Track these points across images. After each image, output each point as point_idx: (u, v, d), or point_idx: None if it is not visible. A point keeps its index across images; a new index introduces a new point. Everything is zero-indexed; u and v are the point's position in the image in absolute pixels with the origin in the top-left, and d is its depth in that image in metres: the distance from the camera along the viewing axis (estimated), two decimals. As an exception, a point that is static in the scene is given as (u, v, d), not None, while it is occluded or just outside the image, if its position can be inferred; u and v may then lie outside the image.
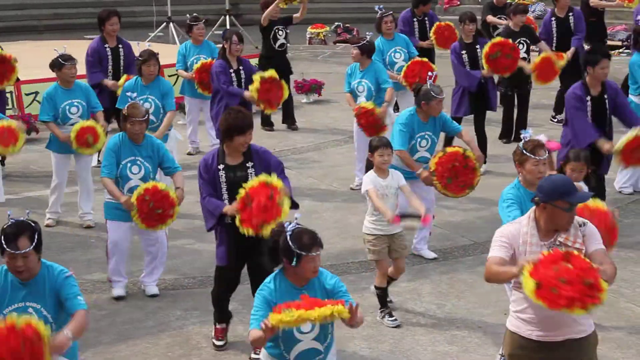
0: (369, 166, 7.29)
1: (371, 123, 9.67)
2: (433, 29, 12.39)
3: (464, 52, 10.63)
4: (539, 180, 6.05)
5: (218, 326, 6.89)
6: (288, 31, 12.71)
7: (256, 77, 9.91)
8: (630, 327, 7.00)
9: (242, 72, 10.07)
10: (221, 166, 6.49)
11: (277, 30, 12.44)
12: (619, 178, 9.93)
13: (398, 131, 8.03)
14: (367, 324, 7.10)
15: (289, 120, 12.90)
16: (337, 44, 19.78)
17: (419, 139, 8.08)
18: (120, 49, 10.52)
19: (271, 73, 10.02)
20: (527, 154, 6.10)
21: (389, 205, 7.07)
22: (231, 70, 10.02)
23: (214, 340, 6.88)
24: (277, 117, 12.81)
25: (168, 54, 13.93)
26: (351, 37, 10.46)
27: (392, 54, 11.35)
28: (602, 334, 6.82)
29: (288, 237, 4.90)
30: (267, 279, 5.06)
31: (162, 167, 7.68)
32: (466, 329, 7.08)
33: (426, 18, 12.66)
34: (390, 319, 7.13)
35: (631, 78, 9.73)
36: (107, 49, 10.44)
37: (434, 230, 8.81)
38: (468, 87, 10.53)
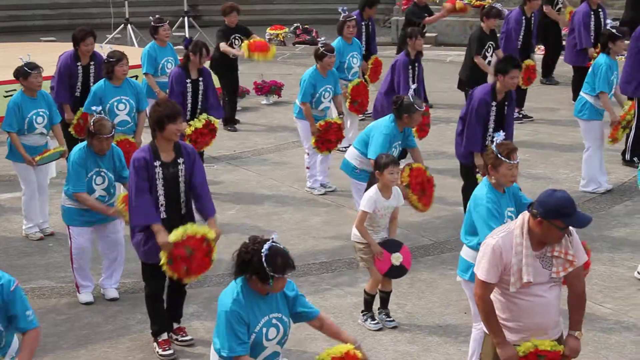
0: (371, 182, 7.23)
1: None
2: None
3: (409, 67, 10.62)
4: (512, 183, 6.15)
5: (160, 339, 6.80)
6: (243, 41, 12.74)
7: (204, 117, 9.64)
8: (588, 324, 7.05)
9: (200, 83, 9.84)
10: (157, 163, 6.48)
11: (234, 39, 12.52)
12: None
13: (381, 142, 8.07)
14: (329, 324, 7.11)
15: (232, 121, 12.92)
16: (296, 45, 19.79)
17: (392, 150, 8.19)
18: (92, 66, 10.28)
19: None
20: (502, 158, 6.05)
21: (382, 225, 7.08)
22: (188, 81, 9.79)
23: (160, 351, 6.75)
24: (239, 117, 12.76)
25: (127, 55, 13.83)
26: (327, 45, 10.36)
27: (350, 59, 11.45)
28: (560, 331, 6.91)
29: (263, 259, 4.86)
30: (233, 292, 4.97)
31: (120, 176, 7.62)
32: (427, 329, 7.12)
33: (370, 23, 12.76)
34: (372, 322, 7.10)
35: (590, 77, 9.82)
36: (79, 67, 10.20)
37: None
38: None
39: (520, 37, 12.57)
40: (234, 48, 12.49)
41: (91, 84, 10.21)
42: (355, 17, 11.81)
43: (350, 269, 8.20)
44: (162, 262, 6.45)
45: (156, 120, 6.47)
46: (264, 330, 4.98)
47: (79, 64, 10.14)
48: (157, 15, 11.87)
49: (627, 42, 10.30)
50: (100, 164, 7.49)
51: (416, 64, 10.77)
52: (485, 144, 8.43)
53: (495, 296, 5.03)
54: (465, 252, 6.24)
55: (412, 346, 6.85)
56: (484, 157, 6.36)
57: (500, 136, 6.16)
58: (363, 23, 12.62)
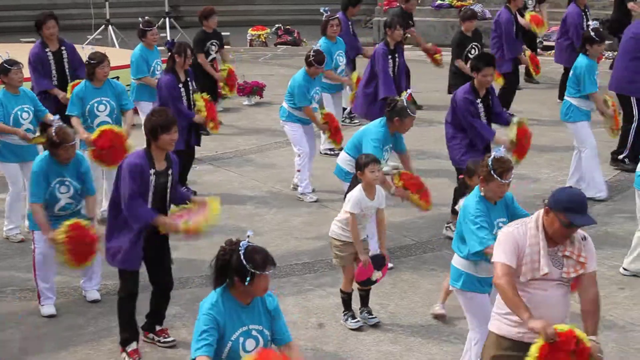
0: (354, 183, 7.24)
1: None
2: None
3: (389, 57, 10.68)
4: (500, 197, 6.14)
5: (130, 349, 6.74)
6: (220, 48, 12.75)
7: (198, 98, 9.87)
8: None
9: (190, 83, 9.86)
10: (152, 171, 6.48)
11: (211, 45, 12.55)
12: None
13: (372, 148, 8.01)
14: (312, 325, 7.11)
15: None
16: (278, 46, 19.78)
17: (383, 153, 8.17)
18: (63, 51, 10.29)
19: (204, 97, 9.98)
20: (495, 175, 6.02)
21: (368, 226, 7.10)
22: (180, 85, 9.78)
23: None
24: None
25: (108, 56, 13.77)
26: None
27: (337, 57, 11.51)
28: (542, 330, 6.94)
29: (242, 256, 4.84)
30: (213, 298, 4.95)
31: (85, 185, 7.43)
32: (409, 328, 7.13)
33: (351, 22, 12.77)
34: (352, 320, 7.10)
35: (572, 80, 9.85)
36: (49, 53, 10.19)
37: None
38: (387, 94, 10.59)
39: (514, 33, 12.65)
40: (210, 54, 12.53)
41: (66, 70, 10.19)
42: (338, 16, 11.84)
43: (333, 270, 8.19)
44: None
45: (150, 129, 6.46)
46: (241, 339, 4.91)
47: (47, 50, 10.11)
48: (146, 18, 11.85)
49: (608, 42, 10.31)
50: (64, 173, 7.30)
51: (396, 55, 10.79)
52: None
53: (498, 294, 5.03)
54: (457, 261, 6.21)
55: (395, 346, 6.86)
56: (477, 167, 6.31)
57: (500, 151, 6.11)
58: (350, 22, 12.64)
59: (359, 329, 7.09)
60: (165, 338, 6.92)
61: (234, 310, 4.92)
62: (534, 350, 4.75)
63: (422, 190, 8.14)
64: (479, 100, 8.62)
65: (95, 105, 9.10)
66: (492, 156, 6.07)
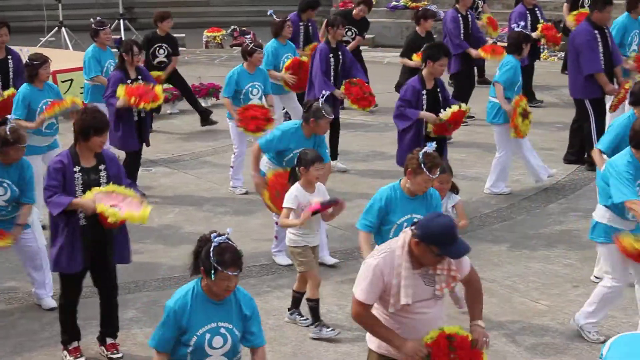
0: (294, 178, 7.22)
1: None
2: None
3: (331, 55, 10.70)
4: (423, 192, 6.23)
5: (71, 347, 6.69)
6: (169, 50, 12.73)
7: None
8: (523, 322, 7.20)
9: (140, 81, 9.86)
10: (77, 168, 6.40)
11: (158, 48, 12.59)
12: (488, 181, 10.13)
13: (271, 134, 7.98)
14: (270, 326, 7.11)
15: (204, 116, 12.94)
16: (234, 48, 19.73)
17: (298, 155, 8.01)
18: (10, 60, 10.13)
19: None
20: (424, 169, 6.10)
21: (315, 227, 7.02)
22: (128, 82, 9.76)
23: (72, 359, 6.65)
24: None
25: (61, 59, 13.67)
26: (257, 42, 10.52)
27: (285, 60, 11.51)
28: (496, 329, 7.02)
29: (211, 249, 4.83)
30: (183, 290, 4.95)
31: (23, 193, 7.22)
32: (367, 329, 7.15)
33: (309, 24, 12.79)
34: (327, 330, 6.99)
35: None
36: None
37: (334, 232, 8.89)
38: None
39: (461, 34, 12.68)
40: (157, 57, 12.56)
41: (10, 80, 10.05)
42: (290, 18, 11.86)
43: (290, 271, 8.19)
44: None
45: (82, 129, 6.36)
46: (208, 335, 4.91)
47: None
48: (98, 18, 11.76)
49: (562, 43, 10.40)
50: (4, 175, 7.13)
51: (339, 53, 10.80)
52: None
53: (379, 313, 4.96)
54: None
55: (353, 347, 6.88)
56: (407, 159, 6.31)
57: (431, 146, 6.19)
58: (301, 24, 12.65)
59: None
60: (114, 354, 6.74)
61: (203, 305, 4.91)
62: None
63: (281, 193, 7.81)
64: (424, 92, 8.67)
65: (43, 107, 9.02)
66: (423, 150, 6.16)
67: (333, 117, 8.16)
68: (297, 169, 7.18)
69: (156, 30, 12.60)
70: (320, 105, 7.87)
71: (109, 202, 6.33)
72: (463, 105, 8.88)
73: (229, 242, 4.89)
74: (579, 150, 10.92)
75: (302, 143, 7.89)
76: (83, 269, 6.54)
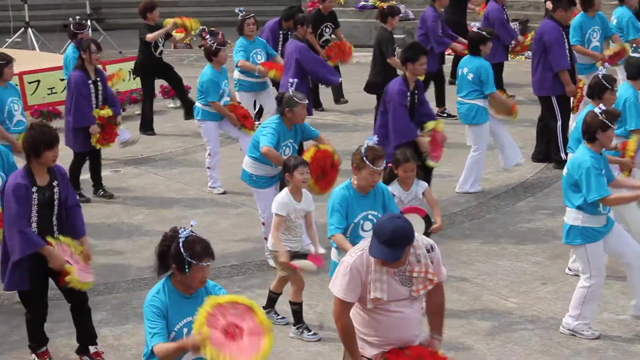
0: (283, 185, 7.19)
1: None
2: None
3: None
4: (372, 187, 6.27)
5: (40, 351, 6.64)
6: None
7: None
8: (494, 319, 7.24)
9: (99, 83, 9.88)
10: (34, 188, 6.28)
11: (158, 39, 12.68)
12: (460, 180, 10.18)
13: (264, 134, 7.95)
14: (240, 327, 7.09)
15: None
16: (203, 48, 19.65)
17: (283, 147, 8.04)
18: None
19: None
20: (367, 162, 6.16)
21: (299, 232, 7.02)
22: (90, 82, 9.78)
23: None
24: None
25: (28, 59, 13.56)
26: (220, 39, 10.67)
27: (254, 55, 11.53)
28: (467, 326, 7.06)
29: (180, 244, 4.83)
30: (156, 288, 4.95)
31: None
32: (338, 328, 7.16)
33: (289, 32, 12.80)
34: (309, 333, 7.00)
35: (476, 83, 9.91)
36: None
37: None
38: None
39: (440, 33, 12.76)
40: (158, 47, 12.78)
41: None
42: (253, 15, 11.89)
43: (261, 271, 8.20)
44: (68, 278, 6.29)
45: (31, 145, 6.24)
46: (185, 330, 4.91)
47: None
48: (77, 17, 11.78)
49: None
50: None
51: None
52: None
53: (356, 311, 5.00)
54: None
55: (324, 346, 6.89)
56: (352, 156, 6.34)
57: (372, 140, 6.24)
58: (281, 32, 12.67)
59: (287, 329, 7.09)
60: None
61: (176, 300, 4.91)
62: None
63: (325, 176, 7.95)
64: (409, 94, 8.72)
65: (12, 105, 9.07)
66: (364, 144, 6.21)
67: (307, 101, 8.17)
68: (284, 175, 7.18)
69: (146, 23, 12.61)
70: (292, 93, 7.91)
71: (64, 256, 6.29)
72: (432, 123, 8.86)
73: (195, 234, 4.90)
74: (547, 149, 10.99)
75: (286, 136, 8.00)
76: (42, 285, 6.43)
